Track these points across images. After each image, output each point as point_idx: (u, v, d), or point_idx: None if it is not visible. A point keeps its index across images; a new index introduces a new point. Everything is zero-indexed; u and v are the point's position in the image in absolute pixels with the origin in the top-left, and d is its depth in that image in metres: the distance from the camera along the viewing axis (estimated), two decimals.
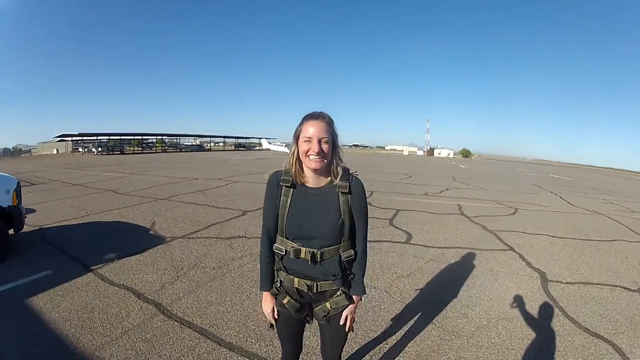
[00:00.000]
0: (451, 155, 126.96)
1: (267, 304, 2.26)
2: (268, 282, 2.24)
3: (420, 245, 7.23)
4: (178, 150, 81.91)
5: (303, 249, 2.06)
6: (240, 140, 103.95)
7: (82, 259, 5.85)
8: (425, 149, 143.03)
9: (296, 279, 2.12)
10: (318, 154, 1.99)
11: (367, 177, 19.85)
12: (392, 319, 4.25)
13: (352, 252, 2.16)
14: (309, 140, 2.00)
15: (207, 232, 7.70)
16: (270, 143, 74.58)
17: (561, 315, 4.52)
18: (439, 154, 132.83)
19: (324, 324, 2.28)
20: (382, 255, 6.41)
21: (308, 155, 2.01)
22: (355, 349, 3.62)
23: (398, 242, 7.41)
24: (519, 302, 4.85)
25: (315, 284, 2.10)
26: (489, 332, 4.03)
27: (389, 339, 3.82)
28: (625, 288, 5.54)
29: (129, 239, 7.08)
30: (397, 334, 3.94)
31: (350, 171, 2.18)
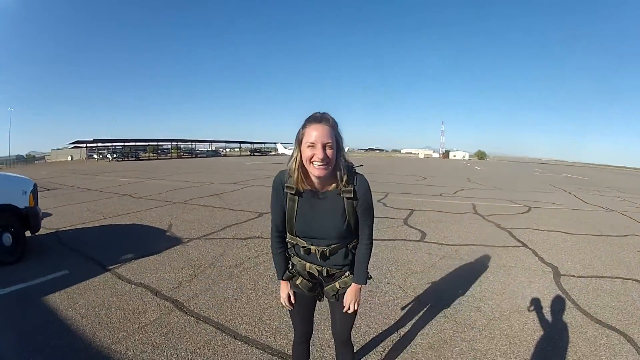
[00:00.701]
0: (466, 158, 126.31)
1: (283, 290, 2.38)
2: (282, 271, 2.34)
3: (434, 243, 7.25)
4: (193, 156, 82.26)
5: (313, 247, 2.16)
6: (255, 146, 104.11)
7: (99, 259, 5.98)
8: (440, 152, 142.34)
9: (308, 264, 2.23)
10: (322, 160, 1.93)
11: (382, 179, 19.97)
12: (405, 313, 4.30)
13: (357, 241, 2.26)
14: (312, 145, 1.94)
15: (223, 233, 7.80)
16: (285, 148, 74.81)
17: (573, 308, 4.51)
18: (455, 156, 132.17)
19: (334, 302, 2.38)
20: (396, 253, 6.44)
21: (312, 162, 1.96)
22: (369, 339, 3.68)
23: (412, 240, 7.43)
24: (531, 295, 4.85)
25: (325, 269, 2.22)
26: (501, 324, 4.05)
27: (401, 330, 3.87)
28: (637, 280, 5.52)
29: (146, 241, 7.20)
30: (409, 325, 3.99)
31: (355, 166, 2.18)
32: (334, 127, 2.00)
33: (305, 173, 2.07)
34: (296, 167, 2.04)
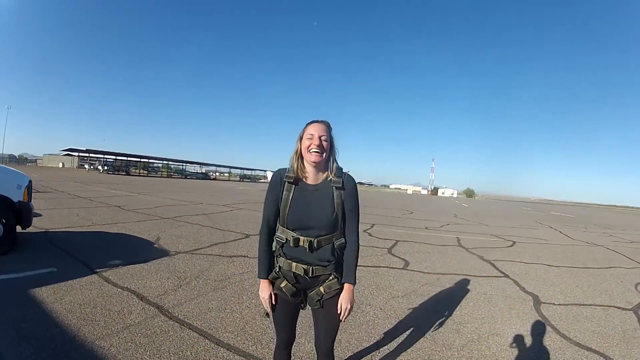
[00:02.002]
0: (455, 195, 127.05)
1: (264, 290, 2.43)
2: (265, 270, 2.43)
3: (417, 271, 7.34)
4: (183, 176, 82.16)
5: (302, 238, 2.28)
6: (245, 172, 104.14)
7: (87, 261, 6.03)
8: (429, 188, 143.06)
9: (294, 264, 2.32)
10: (318, 147, 2.26)
11: (370, 212, 20.07)
12: (385, 332, 4.36)
13: (343, 240, 2.37)
14: (310, 137, 2.28)
15: (210, 250, 7.85)
16: None
17: (553, 332, 4.63)
18: (443, 193, 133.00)
19: (318, 310, 2.44)
20: (378, 279, 6.52)
21: (309, 150, 2.27)
22: (349, 354, 3.74)
23: (395, 267, 7.51)
24: (510, 320, 4.96)
25: (310, 268, 2.30)
26: (480, 345, 4.13)
27: (381, 349, 3.93)
28: (619, 307, 5.69)
29: (134, 250, 7.25)
30: (389, 345, 4.04)
31: (344, 170, 2.42)
32: (329, 127, 2.37)
33: (303, 163, 2.36)
34: (297, 157, 2.36)
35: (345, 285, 2.37)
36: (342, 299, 2.36)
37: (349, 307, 2.36)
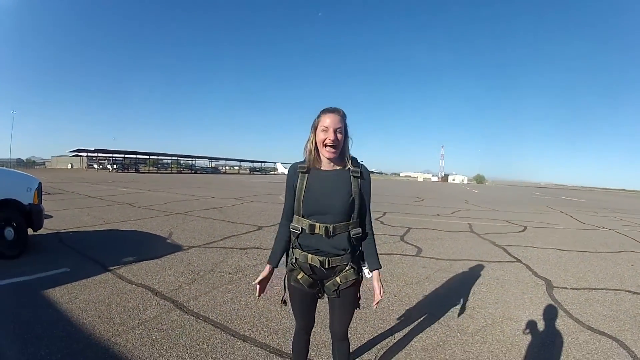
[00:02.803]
0: (465, 181, 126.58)
1: (263, 273, 2.44)
2: (275, 258, 2.47)
3: (430, 257, 7.36)
4: (193, 172, 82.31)
5: (317, 225, 2.27)
6: (255, 165, 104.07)
7: (100, 260, 6.07)
8: (439, 175, 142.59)
9: (310, 255, 2.32)
10: (333, 141, 2.23)
11: (381, 200, 20.07)
12: (399, 319, 4.39)
13: (360, 229, 2.37)
14: (325, 129, 2.25)
15: (223, 243, 7.90)
16: (285, 167, 74.90)
17: (565, 316, 4.62)
18: (453, 180, 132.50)
19: (334, 299, 2.46)
20: (392, 266, 6.55)
21: (325, 145, 2.26)
22: (364, 341, 3.77)
23: (408, 255, 7.55)
24: (523, 305, 4.97)
25: (327, 259, 2.30)
26: (494, 330, 4.15)
27: (396, 335, 3.96)
28: (630, 291, 5.67)
29: (147, 246, 7.30)
30: (404, 330, 4.07)
31: (358, 160, 2.43)
32: (343, 117, 2.33)
33: (317, 154, 2.35)
34: (312, 148, 2.35)
35: (374, 272, 2.43)
36: (374, 284, 2.42)
37: (383, 290, 2.43)
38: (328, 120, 2.26)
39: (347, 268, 2.35)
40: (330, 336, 2.69)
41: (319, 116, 2.33)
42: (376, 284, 2.41)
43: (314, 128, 2.34)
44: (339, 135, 2.26)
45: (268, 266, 2.47)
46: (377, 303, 2.43)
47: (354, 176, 2.33)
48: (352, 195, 2.30)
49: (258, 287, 2.44)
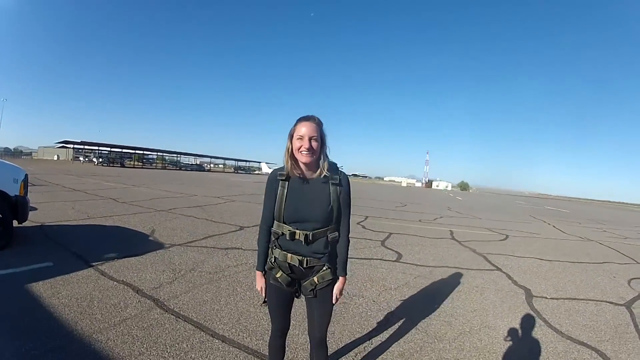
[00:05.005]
0: (449, 188, 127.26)
1: (259, 281, 2.61)
2: (262, 263, 2.57)
3: (410, 263, 7.42)
4: (178, 168, 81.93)
5: (298, 232, 2.36)
6: (240, 163, 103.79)
7: (83, 255, 6.06)
8: (423, 181, 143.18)
9: (289, 255, 2.40)
10: (308, 149, 2.31)
11: (363, 204, 20.13)
12: (377, 324, 4.43)
13: (337, 234, 2.46)
14: (300, 138, 2.33)
15: (205, 242, 7.89)
16: (270, 168, 74.78)
17: (544, 326, 4.71)
18: (437, 186, 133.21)
19: (312, 299, 2.54)
20: (371, 271, 6.59)
21: (300, 151, 2.33)
22: (341, 345, 3.81)
23: (388, 260, 7.58)
24: (502, 313, 5.05)
25: (305, 259, 2.38)
26: (471, 337, 4.22)
27: (373, 340, 4.00)
28: (612, 302, 5.78)
29: (130, 243, 7.28)
30: (381, 336, 4.12)
31: (338, 165, 2.53)
32: (319, 125, 2.41)
33: (295, 162, 2.41)
34: (288, 156, 2.41)
35: (340, 278, 2.51)
36: (336, 289, 2.50)
37: (339, 296, 2.52)
38: (304, 129, 2.33)
39: (324, 268, 2.43)
40: (308, 340, 2.73)
41: (295, 125, 2.40)
42: (335, 290, 2.50)
43: (290, 136, 2.40)
44: (314, 144, 2.33)
45: (259, 273, 2.59)
46: (330, 300, 2.53)
47: (332, 183, 2.42)
48: (330, 203, 2.39)
49: (263, 293, 2.61)
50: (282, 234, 2.39)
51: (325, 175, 2.41)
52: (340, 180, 2.44)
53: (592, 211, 35.88)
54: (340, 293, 2.53)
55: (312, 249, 2.38)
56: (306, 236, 2.34)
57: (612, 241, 12.73)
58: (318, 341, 2.64)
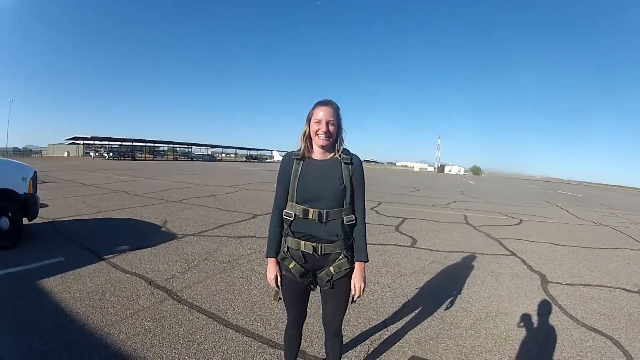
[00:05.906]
0: (461, 172, 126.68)
1: (271, 271, 2.46)
2: (274, 249, 2.46)
3: (424, 249, 7.36)
4: (189, 159, 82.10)
5: (311, 210, 2.29)
6: (251, 152, 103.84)
7: (95, 249, 6.04)
8: (436, 166, 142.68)
9: (302, 242, 2.32)
10: (325, 133, 2.32)
11: (376, 189, 20.05)
12: (393, 310, 4.39)
13: (353, 217, 2.38)
14: (318, 122, 2.33)
15: (217, 231, 7.89)
16: (282, 156, 75.03)
17: (560, 312, 4.63)
18: (450, 170, 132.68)
19: (327, 291, 2.45)
20: (386, 256, 6.55)
21: (317, 134, 2.33)
22: (357, 333, 3.77)
23: (403, 245, 7.54)
24: (518, 299, 4.97)
25: (320, 245, 2.31)
26: (487, 324, 4.15)
27: (389, 327, 3.95)
28: (625, 289, 5.66)
29: (142, 235, 7.27)
30: (397, 322, 4.08)
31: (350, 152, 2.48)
32: (336, 109, 2.41)
33: (310, 144, 2.43)
34: (304, 138, 2.43)
35: (357, 263, 2.41)
36: (355, 278, 2.39)
37: (362, 285, 2.39)
38: (321, 113, 2.34)
39: (341, 257, 2.35)
40: (323, 328, 2.67)
41: (313, 108, 2.41)
42: (356, 278, 2.40)
43: (308, 120, 2.41)
44: (331, 127, 2.34)
45: (271, 261, 2.47)
46: (352, 301, 2.45)
47: (344, 163, 2.38)
48: (343, 182, 2.34)
49: (276, 287, 2.50)
50: (295, 215, 2.33)
51: (338, 156, 2.40)
52: (352, 159, 2.41)
53: (605, 196, 35.56)
54: (364, 282, 2.41)
55: (326, 229, 2.31)
56: (320, 214, 2.28)
57: (625, 227, 12.56)
58: (334, 331, 2.58)
